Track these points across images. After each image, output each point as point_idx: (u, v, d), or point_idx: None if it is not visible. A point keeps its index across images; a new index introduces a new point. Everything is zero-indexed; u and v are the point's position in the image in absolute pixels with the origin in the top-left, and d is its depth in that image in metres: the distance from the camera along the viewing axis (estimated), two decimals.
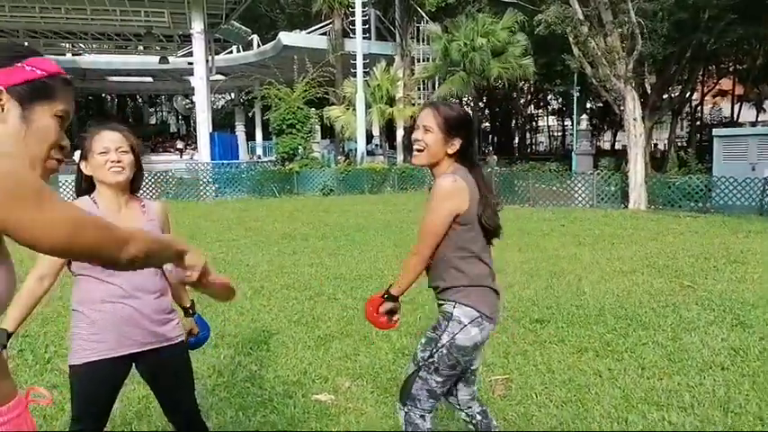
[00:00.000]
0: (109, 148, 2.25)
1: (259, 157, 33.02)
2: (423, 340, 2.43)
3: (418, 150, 2.37)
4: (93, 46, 33.49)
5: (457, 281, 2.35)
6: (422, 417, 2.41)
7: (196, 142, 25.41)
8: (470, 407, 2.56)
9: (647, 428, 3.25)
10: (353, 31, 24.02)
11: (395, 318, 2.51)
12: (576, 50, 16.02)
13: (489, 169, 20.02)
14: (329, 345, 4.66)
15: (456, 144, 2.33)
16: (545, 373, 4.03)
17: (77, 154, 2.32)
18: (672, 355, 4.33)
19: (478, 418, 2.55)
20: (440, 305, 2.41)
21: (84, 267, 2.18)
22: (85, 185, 2.32)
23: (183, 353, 2.42)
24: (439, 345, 2.36)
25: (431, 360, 2.37)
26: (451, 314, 2.35)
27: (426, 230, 2.31)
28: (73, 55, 36.18)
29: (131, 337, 2.22)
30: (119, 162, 2.25)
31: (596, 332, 4.89)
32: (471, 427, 2.59)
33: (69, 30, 26.91)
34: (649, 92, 22.32)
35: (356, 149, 24.26)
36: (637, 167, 15.08)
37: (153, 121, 56.72)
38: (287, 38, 27.39)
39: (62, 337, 4.69)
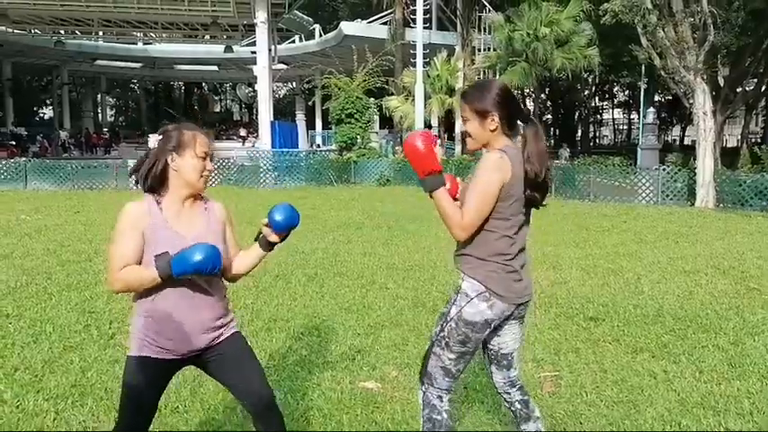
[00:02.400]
0: (207, 155, 2.24)
1: (318, 146, 33.43)
2: (438, 316, 2.43)
3: (467, 139, 2.42)
4: (163, 35, 34.53)
5: (472, 250, 2.31)
6: (439, 397, 2.39)
7: (258, 130, 25.86)
8: (508, 392, 2.52)
9: None
10: (414, 21, 23.89)
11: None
12: (644, 41, 15.45)
13: (560, 162, 19.48)
14: (378, 333, 4.70)
15: (495, 119, 2.32)
16: (597, 372, 3.94)
17: (153, 139, 2.28)
18: (732, 360, 4.16)
19: (517, 405, 2.51)
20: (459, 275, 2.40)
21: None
22: (157, 181, 2.23)
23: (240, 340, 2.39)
24: (448, 318, 2.35)
25: (442, 335, 2.36)
26: (460, 287, 2.34)
27: (472, 207, 2.24)
28: (144, 44, 37.49)
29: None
30: (211, 171, 2.28)
31: (653, 333, 4.75)
32: (511, 412, 2.56)
33: (140, 19, 27.79)
34: (722, 85, 21.34)
35: None
36: (705, 164, 14.47)
37: (217, 109, 58.19)
38: (348, 27, 27.56)
39: (125, 315, 4.91)
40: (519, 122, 2.39)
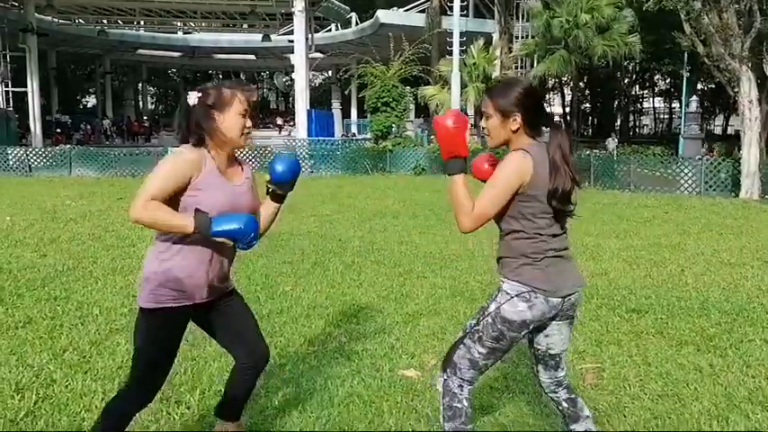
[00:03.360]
0: (247, 112, 2.27)
1: (353, 135, 33.48)
2: (477, 310, 2.42)
3: (487, 136, 2.39)
4: (202, 24, 34.94)
5: (510, 252, 2.30)
6: (460, 386, 2.37)
7: (294, 119, 26.04)
8: (555, 392, 2.49)
9: (749, 429, 3.07)
10: (451, 8, 23.65)
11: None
12: (687, 27, 15.03)
13: (608, 153, 18.95)
14: (417, 322, 4.70)
15: (517, 120, 2.28)
16: (640, 365, 3.87)
17: (193, 96, 2.26)
18: None
19: (564, 405, 2.49)
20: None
21: None
22: (200, 137, 2.26)
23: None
24: (485, 313, 2.33)
25: (476, 328, 2.35)
26: (501, 287, 2.33)
27: (484, 199, 2.25)
28: (184, 33, 37.99)
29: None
30: (251, 128, 2.32)
31: (698, 326, 4.64)
32: (559, 411, 2.54)
33: (181, 9, 28.20)
34: None
35: None
36: (750, 153, 14.05)
37: (254, 98, 58.73)
38: (385, 15, 27.44)
39: None
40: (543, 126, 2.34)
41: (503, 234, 2.35)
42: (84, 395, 3.38)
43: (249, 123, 2.30)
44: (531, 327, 2.31)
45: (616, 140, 25.70)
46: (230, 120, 2.24)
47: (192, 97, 2.26)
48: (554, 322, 2.36)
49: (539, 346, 2.44)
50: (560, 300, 2.29)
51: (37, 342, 4.19)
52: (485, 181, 2.35)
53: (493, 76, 25.43)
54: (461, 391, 2.37)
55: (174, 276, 2.23)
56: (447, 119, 2.29)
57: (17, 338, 4.26)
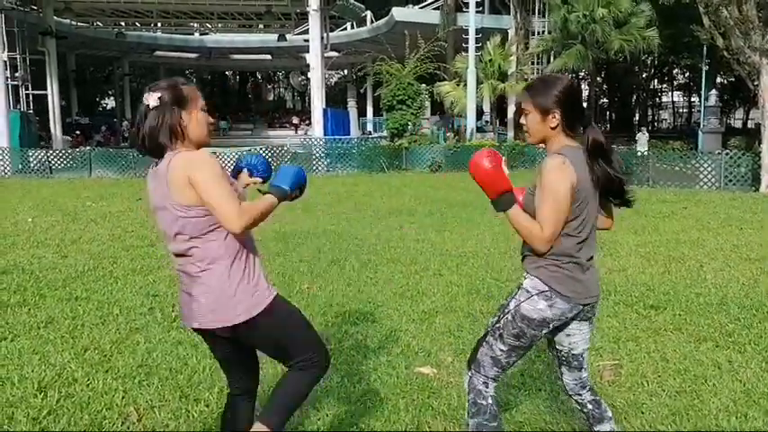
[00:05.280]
0: (205, 107, 2.21)
1: (369, 133, 33.51)
2: (498, 307, 2.43)
3: (526, 133, 2.38)
4: (218, 25, 35.16)
5: (534, 251, 2.29)
6: (485, 383, 2.38)
7: (310, 118, 26.12)
8: (580, 394, 2.48)
9: None
10: (467, 5, 23.57)
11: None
12: (705, 20, 14.84)
13: (639, 152, 18.35)
14: (433, 319, 4.71)
15: (557, 117, 2.26)
16: (658, 362, 3.85)
17: (152, 98, 2.12)
18: None
19: (589, 407, 2.48)
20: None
21: None
22: (167, 140, 2.13)
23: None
24: (506, 310, 2.33)
25: (497, 325, 2.35)
26: (522, 284, 2.33)
27: (549, 219, 2.20)
28: (200, 35, 38.28)
29: None
30: (213, 124, 2.29)
31: (717, 321, 4.60)
32: (583, 414, 2.52)
33: (197, 10, 28.40)
34: None
35: (466, 126, 23.97)
36: None
37: (270, 98, 59.02)
38: (400, 13, 27.42)
39: None
40: (580, 126, 2.32)
41: None
42: (106, 393, 3.44)
43: (211, 119, 2.24)
44: (551, 326, 2.31)
45: (647, 135, 23.98)
46: (196, 116, 2.17)
47: (152, 98, 2.11)
48: (574, 322, 2.36)
49: (561, 347, 2.43)
50: (579, 305, 2.29)
51: (59, 341, 4.26)
52: (481, 181, 2.30)
53: (509, 73, 25.31)
54: (486, 388, 2.38)
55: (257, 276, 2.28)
56: (482, 160, 2.27)
57: (40, 338, 4.34)
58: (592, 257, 2.34)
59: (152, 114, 2.11)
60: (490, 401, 2.38)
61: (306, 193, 2.40)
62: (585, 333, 2.41)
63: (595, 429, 2.48)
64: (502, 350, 2.34)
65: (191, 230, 2.12)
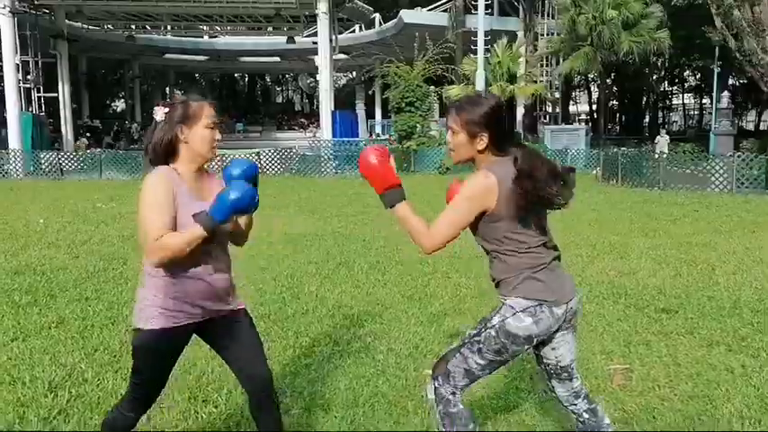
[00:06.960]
0: (215, 125, 2.23)
1: (378, 135, 33.50)
2: (479, 320, 2.37)
3: (450, 153, 2.34)
4: (228, 28, 35.29)
5: (508, 272, 2.25)
6: (453, 393, 2.31)
7: (319, 120, 26.17)
8: (575, 404, 2.42)
9: None
10: (476, 7, 23.54)
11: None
12: (717, 22, 14.78)
13: (657, 154, 18.04)
14: (441, 321, 4.69)
15: (484, 139, 2.22)
16: (670, 366, 3.81)
17: (160, 112, 2.21)
18: None
19: (585, 416, 2.41)
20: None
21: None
22: (169, 154, 2.22)
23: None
24: (488, 325, 2.27)
25: (476, 339, 2.28)
26: (504, 303, 2.27)
27: (443, 220, 2.24)
28: (210, 37, 38.44)
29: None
30: (219, 140, 2.27)
31: (730, 325, 4.55)
32: (580, 424, 2.44)
33: (207, 13, 28.50)
34: None
35: None
36: None
37: (279, 100, 59.15)
38: (408, 15, 27.41)
39: None
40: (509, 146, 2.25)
41: (493, 255, 2.29)
42: (115, 393, 3.44)
43: (218, 136, 2.25)
44: (535, 341, 2.26)
45: (667, 137, 23.43)
46: (199, 133, 2.21)
47: (159, 113, 2.21)
48: (558, 333, 2.30)
49: (548, 361, 2.38)
50: (564, 309, 2.25)
51: (69, 342, 4.28)
52: (368, 177, 2.29)
53: (518, 75, 25.25)
54: (454, 397, 2.32)
55: (173, 291, 2.20)
56: (368, 157, 2.25)
57: (50, 338, 4.36)
58: (556, 257, 2.30)
59: (158, 128, 2.22)
60: (461, 407, 2.32)
61: (256, 206, 2.21)
62: (570, 343, 2.36)
63: None
64: (478, 363, 2.28)
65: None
